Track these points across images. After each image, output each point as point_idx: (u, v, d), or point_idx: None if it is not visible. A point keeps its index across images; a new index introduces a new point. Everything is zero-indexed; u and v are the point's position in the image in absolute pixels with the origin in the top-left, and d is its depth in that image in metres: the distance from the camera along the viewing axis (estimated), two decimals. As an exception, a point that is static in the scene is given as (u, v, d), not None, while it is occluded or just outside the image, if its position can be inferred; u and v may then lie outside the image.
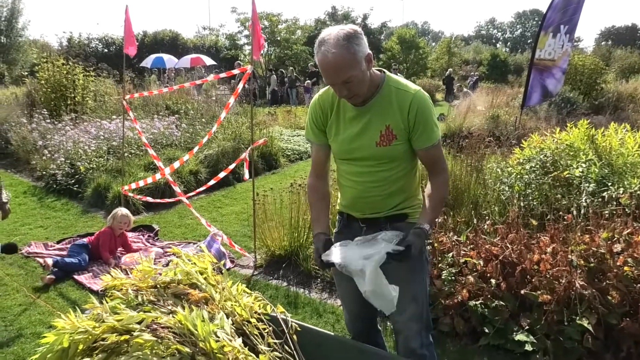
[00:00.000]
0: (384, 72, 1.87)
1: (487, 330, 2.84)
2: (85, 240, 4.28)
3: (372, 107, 1.83)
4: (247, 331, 1.72)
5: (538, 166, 4.31)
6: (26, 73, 13.72)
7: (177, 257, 1.93)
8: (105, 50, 27.78)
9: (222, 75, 4.44)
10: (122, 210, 4.36)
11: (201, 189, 5.06)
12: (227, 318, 1.69)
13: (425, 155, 1.88)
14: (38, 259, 4.18)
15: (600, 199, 3.66)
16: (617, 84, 15.40)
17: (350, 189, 1.99)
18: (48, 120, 8.19)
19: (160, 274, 1.86)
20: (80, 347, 1.59)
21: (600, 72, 14.08)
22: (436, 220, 2.03)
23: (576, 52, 16.61)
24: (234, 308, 1.77)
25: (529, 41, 66.00)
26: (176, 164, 4.63)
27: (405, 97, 1.80)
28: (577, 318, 2.65)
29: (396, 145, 1.83)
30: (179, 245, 4.53)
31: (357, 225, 2.01)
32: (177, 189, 4.66)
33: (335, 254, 1.76)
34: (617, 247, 2.85)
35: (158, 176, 4.97)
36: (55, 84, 9.18)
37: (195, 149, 4.66)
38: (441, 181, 1.90)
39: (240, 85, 4.00)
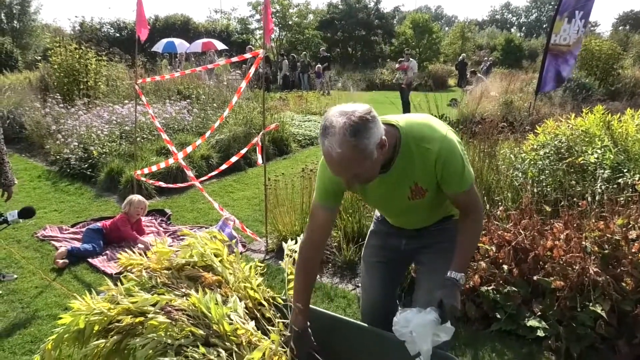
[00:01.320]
0: (397, 127, 1.62)
1: (498, 316, 2.84)
2: (100, 224, 4.32)
3: (394, 171, 1.65)
4: (258, 315, 1.74)
5: (552, 152, 4.25)
6: (39, 57, 13.81)
7: (191, 237, 1.94)
8: (117, 34, 27.79)
9: (234, 59, 4.41)
10: (138, 197, 4.40)
11: (213, 173, 5.08)
12: (240, 301, 1.71)
13: (455, 198, 1.73)
14: (53, 242, 4.25)
15: (615, 186, 3.61)
16: (634, 69, 15.06)
17: (390, 218, 1.99)
18: (61, 105, 8.25)
19: (176, 256, 1.88)
20: (96, 328, 1.62)
21: (618, 58, 13.79)
22: (468, 265, 1.84)
23: (593, 36, 16.27)
24: (247, 291, 1.79)
25: (544, 26, 64.70)
26: (189, 149, 4.64)
27: (428, 156, 1.61)
28: (591, 304, 2.64)
29: (430, 195, 1.72)
30: (191, 229, 4.56)
31: (397, 230, 1.99)
32: (190, 173, 4.68)
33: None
34: (633, 234, 2.81)
35: (171, 161, 4.99)
36: (68, 68, 9.23)
37: (207, 134, 4.66)
38: (471, 221, 1.72)
39: (252, 70, 3.97)
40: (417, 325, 1.48)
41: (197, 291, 1.65)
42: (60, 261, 3.82)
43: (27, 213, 3.38)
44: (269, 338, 1.61)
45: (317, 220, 1.79)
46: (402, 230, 1.97)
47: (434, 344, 1.47)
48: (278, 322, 1.75)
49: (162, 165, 5.14)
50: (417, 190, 1.69)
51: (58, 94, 8.67)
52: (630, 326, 2.60)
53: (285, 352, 1.57)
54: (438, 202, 1.76)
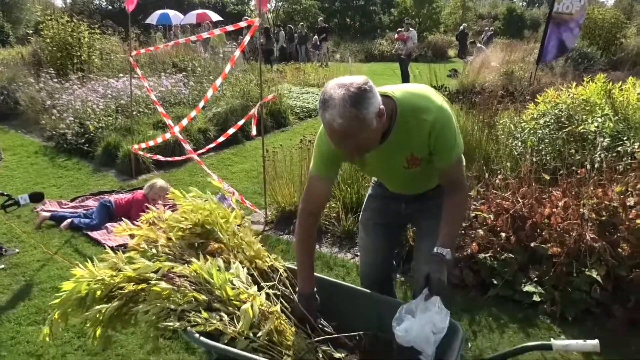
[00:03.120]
0: (393, 98, 1.62)
1: (495, 282, 2.88)
2: (113, 200, 4.33)
3: (391, 142, 1.66)
4: (259, 280, 1.76)
5: (552, 121, 4.24)
6: (31, 32, 13.57)
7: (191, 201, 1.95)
8: (110, 7, 27.25)
9: (229, 27, 4.33)
10: (161, 182, 4.35)
11: (211, 145, 5.06)
12: (243, 267, 1.72)
13: (442, 172, 1.74)
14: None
15: (615, 154, 3.61)
16: (637, 38, 14.87)
17: (388, 185, 2.01)
18: (55, 80, 8.13)
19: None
20: (98, 294, 1.64)
21: (621, 27, 13.61)
22: (454, 240, 1.86)
23: (596, 5, 15.99)
24: (244, 253, 1.80)
25: (546, -6, 63.47)
26: (184, 121, 4.61)
27: (423, 126, 1.61)
28: (586, 270, 2.67)
29: (425, 164, 1.74)
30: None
31: (395, 194, 2.01)
32: (187, 146, 4.66)
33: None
34: (630, 201, 2.83)
35: (168, 135, 4.97)
36: (61, 42, 9.06)
37: (201, 104, 4.61)
38: (457, 200, 1.73)
39: (247, 38, 3.91)
40: (417, 332, 1.51)
41: (198, 258, 1.66)
42: (42, 214, 4.06)
43: (37, 196, 3.52)
44: (273, 304, 1.64)
45: (314, 191, 1.82)
46: (401, 195, 2.00)
47: (436, 344, 1.52)
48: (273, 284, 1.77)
49: (159, 140, 5.12)
50: (413, 160, 1.72)
51: (51, 69, 8.54)
52: (625, 291, 2.64)
53: (276, 304, 1.60)
54: (434, 169, 1.77)
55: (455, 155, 1.69)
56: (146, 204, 4.34)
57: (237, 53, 4.13)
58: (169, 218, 1.86)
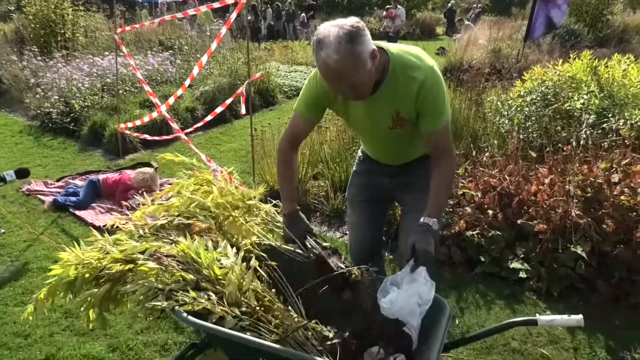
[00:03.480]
0: (387, 52, 1.63)
1: (482, 259, 2.91)
2: (101, 178, 4.29)
3: (379, 96, 1.66)
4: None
5: (539, 98, 4.25)
6: (12, 8, 13.18)
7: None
8: (93, -17, 26.50)
9: (216, 4, 4.24)
10: (145, 176, 4.24)
11: (198, 124, 5.01)
12: (233, 247, 1.71)
13: (428, 138, 1.72)
14: (39, 196, 4.22)
15: (600, 131, 3.64)
16: (624, 15, 14.86)
17: (371, 149, 2.00)
18: (39, 58, 7.96)
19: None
20: (87, 276, 1.63)
21: (608, 3, 13.55)
22: (442, 213, 1.89)
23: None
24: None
25: (535, -30, 62.94)
26: (171, 100, 4.54)
27: (413, 84, 1.61)
28: (572, 246, 2.71)
29: (410, 126, 1.73)
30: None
31: (383, 165, 2.01)
32: (174, 125, 4.60)
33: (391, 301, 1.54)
34: (615, 178, 2.86)
35: (155, 114, 4.90)
36: (44, 19, 8.84)
37: (187, 82, 4.54)
38: (445, 170, 1.71)
39: (234, 15, 3.84)
40: (403, 303, 1.50)
41: (185, 238, 1.65)
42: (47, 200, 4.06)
43: (22, 173, 3.51)
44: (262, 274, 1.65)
45: (296, 127, 1.87)
46: (384, 168, 2.00)
47: (421, 315, 1.52)
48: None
49: (146, 119, 5.05)
50: (398, 120, 1.71)
51: (35, 47, 8.34)
52: (610, 267, 2.69)
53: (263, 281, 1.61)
54: (418, 135, 1.76)
55: (443, 121, 1.67)
56: (129, 193, 4.35)
57: (224, 30, 4.06)
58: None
